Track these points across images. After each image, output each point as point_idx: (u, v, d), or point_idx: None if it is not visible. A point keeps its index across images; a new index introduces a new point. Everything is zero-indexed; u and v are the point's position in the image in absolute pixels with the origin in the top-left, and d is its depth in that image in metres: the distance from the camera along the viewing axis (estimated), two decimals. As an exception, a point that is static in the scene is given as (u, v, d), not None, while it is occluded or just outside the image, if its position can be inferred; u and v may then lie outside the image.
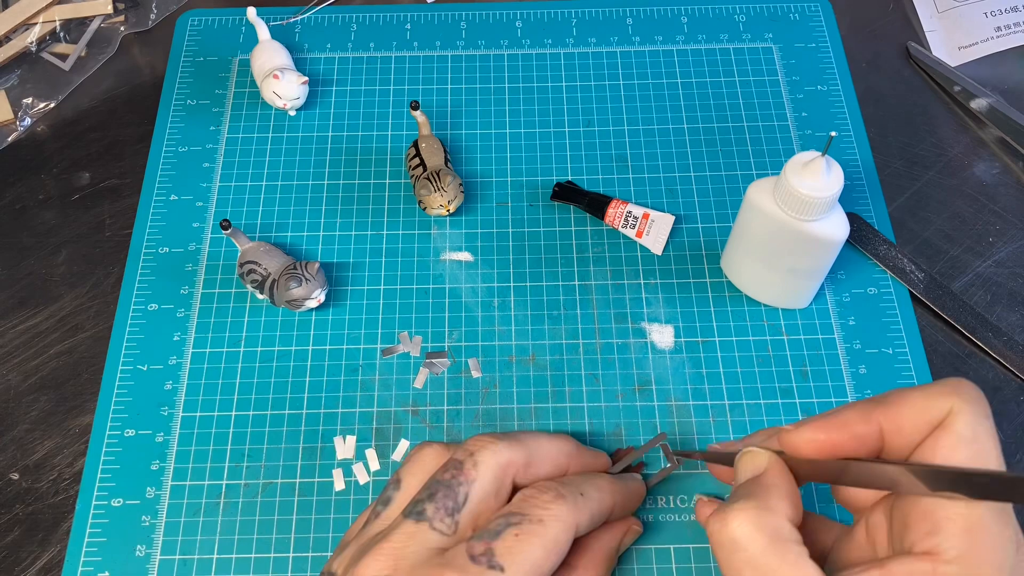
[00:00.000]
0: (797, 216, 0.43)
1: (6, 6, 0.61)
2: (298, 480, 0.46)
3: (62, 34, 0.62)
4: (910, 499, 0.30)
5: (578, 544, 0.38)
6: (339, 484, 0.45)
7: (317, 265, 0.48)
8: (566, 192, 0.54)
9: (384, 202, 0.55)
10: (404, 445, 0.46)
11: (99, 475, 0.46)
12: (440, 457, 0.38)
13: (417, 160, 0.53)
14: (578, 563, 0.38)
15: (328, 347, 0.49)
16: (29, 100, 0.60)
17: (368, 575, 0.33)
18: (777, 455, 0.34)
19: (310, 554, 0.44)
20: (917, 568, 0.28)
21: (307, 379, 0.48)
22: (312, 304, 0.48)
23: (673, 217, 0.52)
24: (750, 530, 0.30)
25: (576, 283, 0.51)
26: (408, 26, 0.62)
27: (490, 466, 0.36)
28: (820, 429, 0.32)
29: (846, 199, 0.53)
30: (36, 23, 0.61)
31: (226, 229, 0.49)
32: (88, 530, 0.44)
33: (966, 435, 0.29)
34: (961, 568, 0.28)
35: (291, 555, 0.44)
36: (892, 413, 0.31)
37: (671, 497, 0.44)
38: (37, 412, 0.48)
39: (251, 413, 0.47)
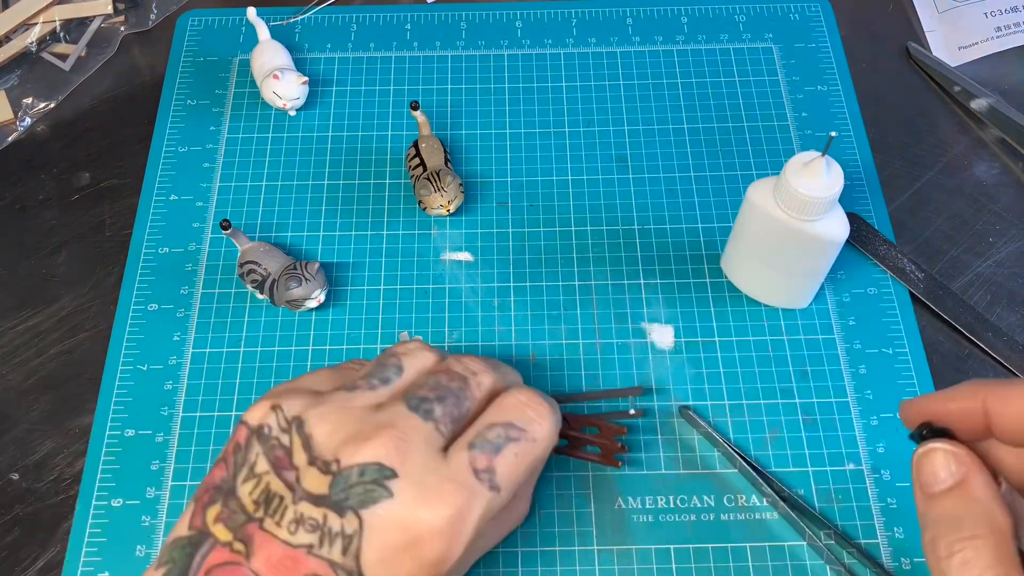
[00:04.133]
0: (797, 216, 0.43)
1: (6, 6, 0.61)
2: (298, 480, 0.46)
3: (62, 34, 0.62)
4: None
5: None
6: (339, 484, 0.45)
7: (317, 265, 0.48)
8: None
9: (384, 202, 0.55)
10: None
11: (99, 475, 0.46)
12: (434, 362, 0.39)
13: (417, 160, 0.53)
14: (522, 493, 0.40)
15: (328, 347, 0.49)
16: (29, 100, 0.60)
17: (373, 457, 0.32)
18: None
19: (310, 554, 0.44)
20: None
21: (307, 379, 0.48)
22: (312, 304, 0.48)
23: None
24: None
25: (576, 283, 0.51)
26: (408, 26, 0.62)
27: (486, 389, 0.37)
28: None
29: (846, 199, 0.53)
30: (36, 23, 0.61)
31: (226, 229, 0.49)
32: (88, 530, 0.44)
33: None
34: None
35: (291, 555, 0.44)
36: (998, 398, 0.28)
37: (671, 497, 0.44)
38: (37, 412, 0.48)
39: (251, 413, 0.47)
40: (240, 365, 0.49)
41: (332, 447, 0.33)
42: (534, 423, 0.35)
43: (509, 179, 0.55)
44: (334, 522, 0.32)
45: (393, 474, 0.32)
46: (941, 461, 0.29)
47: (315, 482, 0.33)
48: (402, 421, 0.34)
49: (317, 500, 0.32)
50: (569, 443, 0.45)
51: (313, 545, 0.31)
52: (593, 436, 0.44)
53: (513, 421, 0.35)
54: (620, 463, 0.45)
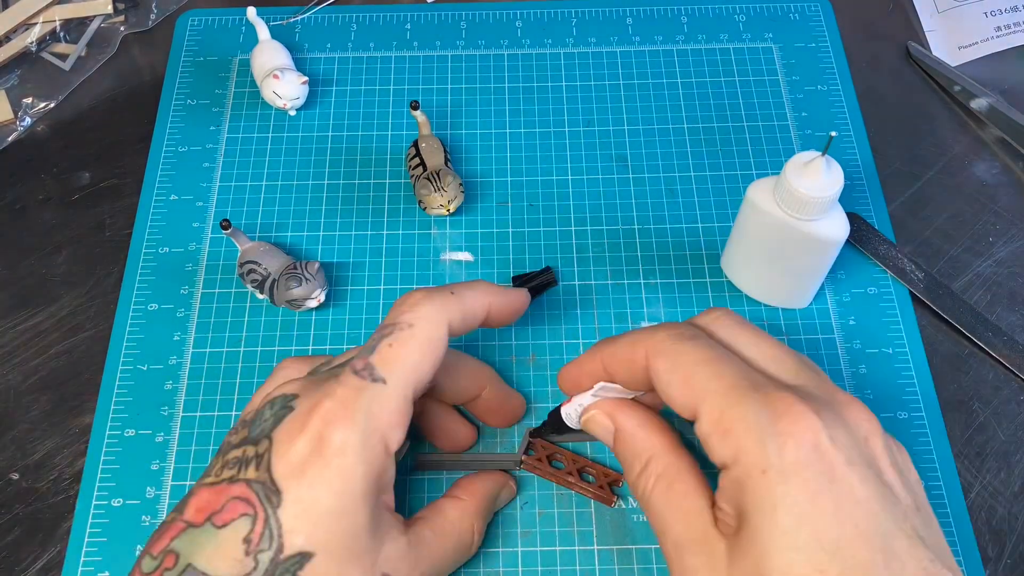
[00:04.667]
0: (797, 216, 0.43)
1: (6, 6, 0.61)
2: (298, 480, 0.45)
3: (62, 34, 0.62)
4: None
5: (461, 480, 0.42)
6: (339, 484, 0.45)
7: (317, 265, 0.48)
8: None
9: (384, 202, 0.55)
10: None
11: (99, 475, 0.46)
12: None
13: (417, 160, 0.53)
14: (462, 493, 0.41)
15: (328, 347, 0.49)
16: (29, 100, 0.60)
17: (280, 392, 0.36)
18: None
19: (310, 554, 0.44)
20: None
21: (307, 379, 0.48)
22: (312, 304, 0.48)
23: None
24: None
25: (576, 283, 0.51)
26: (408, 26, 0.62)
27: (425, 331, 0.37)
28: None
29: (846, 199, 0.53)
30: (36, 23, 0.61)
31: (226, 229, 0.49)
32: (88, 530, 0.44)
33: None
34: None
35: (291, 555, 0.44)
36: (607, 351, 0.37)
37: (671, 497, 0.44)
38: (37, 412, 0.48)
39: (251, 413, 0.47)
40: (240, 365, 0.49)
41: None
42: (404, 314, 0.36)
43: (509, 179, 0.55)
44: (250, 451, 0.34)
45: (295, 397, 0.35)
46: (597, 420, 0.38)
47: (243, 432, 0.36)
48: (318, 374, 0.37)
49: (241, 442, 0.35)
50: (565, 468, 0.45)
51: (233, 475, 0.34)
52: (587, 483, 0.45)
53: (385, 323, 0.37)
54: (614, 498, 0.44)
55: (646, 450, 0.36)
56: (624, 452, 0.37)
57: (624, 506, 0.44)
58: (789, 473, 0.30)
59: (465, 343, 0.49)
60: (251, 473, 0.33)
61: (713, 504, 0.33)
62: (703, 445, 0.33)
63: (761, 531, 0.30)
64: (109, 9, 0.63)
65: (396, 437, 0.35)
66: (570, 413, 0.40)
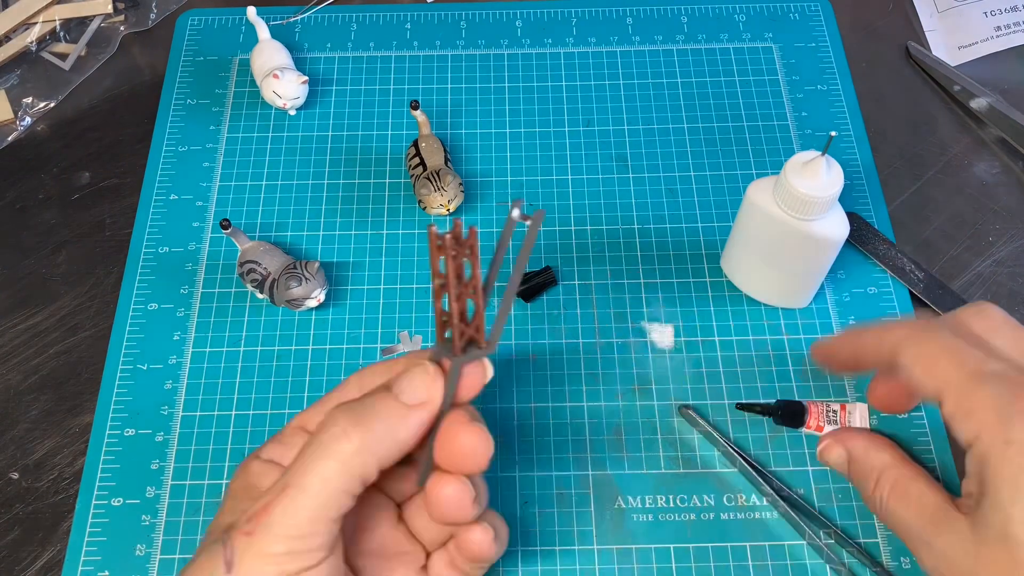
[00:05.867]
0: (797, 216, 0.43)
1: (6, 6, 0.61)
2: (298, 480, 0.45)
3: (62, 34, 0.62)
4: None
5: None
6: (339, 484, 0.45)
7: (317, 265, 0.48)
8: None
9: (384, 202, 0.55)
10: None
11: (99, 475, 0.46)
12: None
13: (417, 160, 0.53)
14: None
15: (328, 347, 0.49)
16: (29, 100, 0.60)
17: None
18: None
19: (310, 554, 0.44)
20: None
21: (307, 379, 0.48)
22: (312, 304, 0.48)
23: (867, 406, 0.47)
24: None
25: (576, 283, 0.51)
26: (408, 26, 0.62)
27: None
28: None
29: (846, 199, 0.53)
30: (36, 23, 0.61)
31: (226, 229, 0.49)
32: (88, 530, 0.44)
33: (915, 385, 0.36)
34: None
35: (291, 555, 0.44)
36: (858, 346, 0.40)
37: (671, 497, 0.44)
38: (37, 412, 0.48)
39: (251, 413, 0.47)
40: (240, 365, 0.49)
41: None
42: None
43: (509, 179, 0.55)
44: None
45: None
46: (831, 449, 0.42)
47: None
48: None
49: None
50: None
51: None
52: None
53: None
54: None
55: (876, 467, 0.39)
56: (857, 473, 0.40)
57: (624, 506, 0.44)
58: None
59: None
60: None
61: (951, 499, 0.36)
62: (948, 426, 0.34)
63: (1003, 497, 0.32)
64: (109, 9, 0.63)
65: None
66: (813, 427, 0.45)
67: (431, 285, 0.31)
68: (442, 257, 0.30)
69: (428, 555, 0.37)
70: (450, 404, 0.33)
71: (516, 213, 0.31)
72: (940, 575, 0.35)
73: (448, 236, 0.30)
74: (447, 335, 0.32)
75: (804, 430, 0.46)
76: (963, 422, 0.34)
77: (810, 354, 0.46)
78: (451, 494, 0.33)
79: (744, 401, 0.47)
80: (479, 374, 0.34)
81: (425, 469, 0.34)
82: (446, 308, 0.31)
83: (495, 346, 0.32)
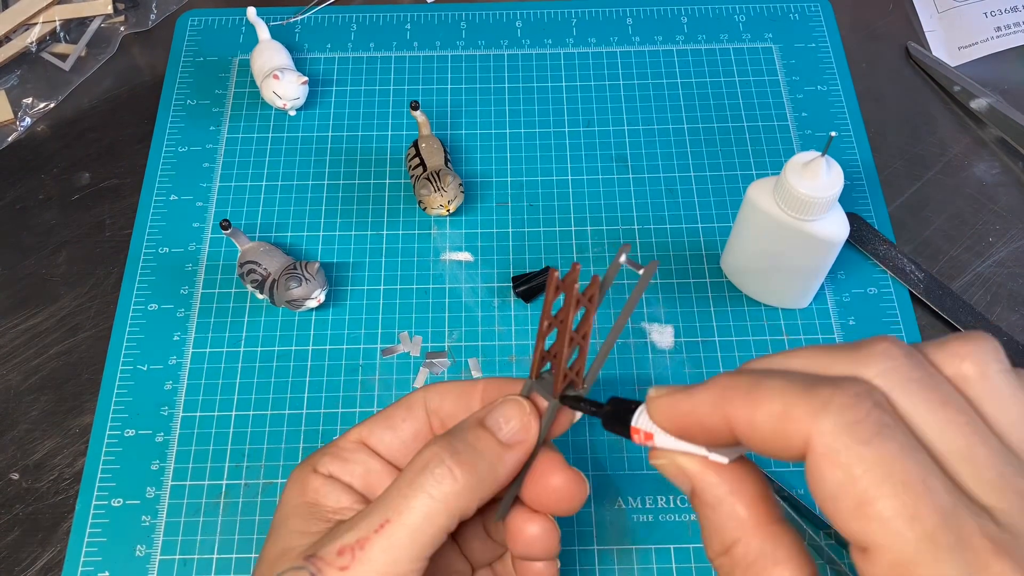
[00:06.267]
0: (797, 216, 0.43)
1: (6, 6, 0.61)
2: (298, 480, 0.45)
3: (62, 34, 0.62)
4: None
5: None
6: (339, 484, 0.45)
7: (317, 265, 0.48)
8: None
9: (384, 202, 0.55)
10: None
11: (99, 475, 0.46)
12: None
13: (417, 160, 0.53)
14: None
15: (328, 347, 0.49)
16: (29, 100, 0.60)
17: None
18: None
19: (310, 554, 0.44)
20: None
21: (307, 379, 0.48)
22: (312, 304, 0.48)
23: None
24: None
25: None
26: (408, 26, 0.62)
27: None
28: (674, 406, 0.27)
29: (846, 199, 0.53)
30: (36, 23, 0.61)
31: (226, 229, 0.49)
32: (88, 530, 0.44)
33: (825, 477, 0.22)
34: None
35: (291, 555, 0.44)
36: (743, 413, 0.24)
37: (671, 497, 0.44)
38: (37, 412, 0.48)
39: (251, 413, 0.47)
40: (240, 365, 0.49)
41: None
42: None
43: (509, 179, 0.55)
44: None
45: None
46: (671, 473, 0.28)
47: None
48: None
49: None
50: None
51: None
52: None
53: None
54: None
55: (732, 529, 0.27)
56: (702, 519, 0.28)
57: (624, 506, 0.44)
58: None
59: (464, 343, 0.49)
60: None
61: None
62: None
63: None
64: (109, 9, 0.63)
65: None
66: (641, 428, 0.29)
67: (539, 326, 0.31)
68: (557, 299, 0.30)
69: (473, 571, 0.37)
70: (542, 443, 0.33)
71: (624, 258, 0.31)
72: None
73: (573, 284, 0.30)
74: (544, 371, 0.32)
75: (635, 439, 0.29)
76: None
77: (648, 409, 0.28)
78: (538, 534, 0.33)
79: (570, 393, 0.32)
80: (570, 416, 0.33)
81: (507, 503, 0.34)
82: (547, 347, 0.31)
83: (589, 388, 0.33)
